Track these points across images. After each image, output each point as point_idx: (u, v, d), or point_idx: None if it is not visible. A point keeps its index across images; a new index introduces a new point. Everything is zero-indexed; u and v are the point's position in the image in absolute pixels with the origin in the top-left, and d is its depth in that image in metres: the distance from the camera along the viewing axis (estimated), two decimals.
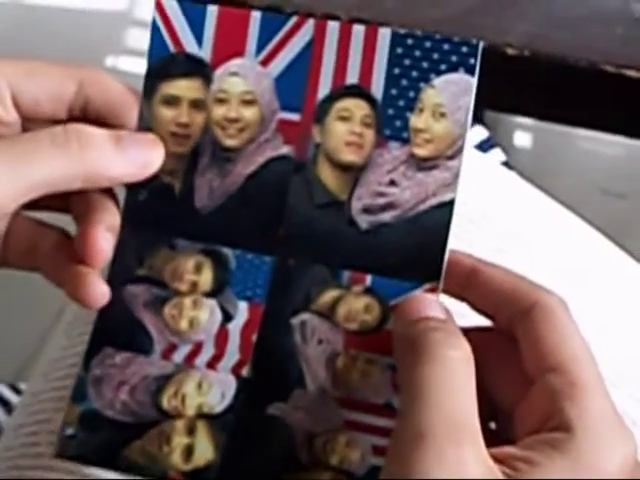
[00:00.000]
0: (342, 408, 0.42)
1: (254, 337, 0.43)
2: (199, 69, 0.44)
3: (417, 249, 0.42)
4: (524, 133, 1.69)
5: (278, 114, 0.43)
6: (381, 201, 0.42)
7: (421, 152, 0.42)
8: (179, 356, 0.43)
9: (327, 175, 0.43)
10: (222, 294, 0.43)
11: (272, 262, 0.43)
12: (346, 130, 0.43)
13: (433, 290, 0.41)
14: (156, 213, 0.44)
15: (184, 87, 0.44)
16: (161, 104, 0.44)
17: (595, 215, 0.59)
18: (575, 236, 0.56)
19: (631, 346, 0.51)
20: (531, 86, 0.71)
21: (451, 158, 0.42)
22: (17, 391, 0.73)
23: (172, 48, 0.44)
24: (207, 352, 0.43)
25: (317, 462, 0.41)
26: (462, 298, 0.42)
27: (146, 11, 1.97)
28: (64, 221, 0.45)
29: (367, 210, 0.42)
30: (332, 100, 0.43)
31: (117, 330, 0.43)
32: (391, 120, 0.42)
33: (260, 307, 0.43)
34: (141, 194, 0.43)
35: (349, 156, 0.43)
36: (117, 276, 0.42)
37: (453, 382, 0.37)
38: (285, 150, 0.43)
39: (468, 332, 0.39)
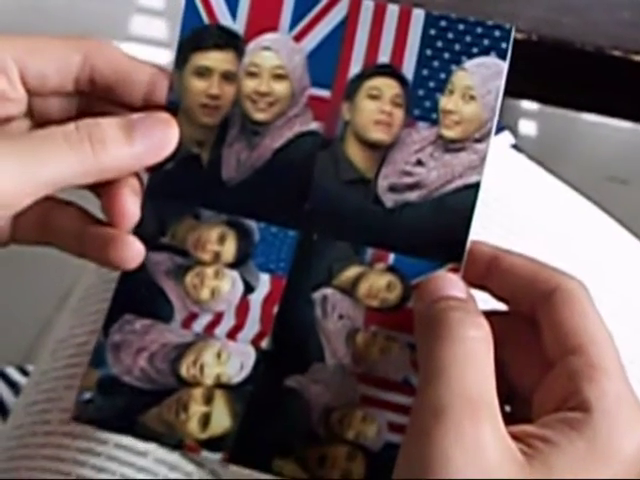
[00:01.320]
0: (360, 383, 0.42)
1: (275, 309, 0.43)
2: (232, 41, 0.44)
3: (441, 230, 0.42)
4: (530, 118, 1.68)
5: (309, 90, 0.43)
6: (407, 180, 0.43)
7: (449, 134, 0.42)
8: (199, 325, 0.43)
9: (355, 152, 0.43)
10: (244, 265, 0.43)
11: (296, 236, 0.43)
12: (375, 108, 0.43)
13: (455, 271, 0.42)
14: (182, 182, 0.44)
15: (216, 59, 0.44)
16: (192, 75, 0.44)
17: (600, 201, 0.59)
18: (586, 219, 0.56)
19: None
20: (538, 71, 0.71)
21: (479, 141, 0.42)
22: (25, 373, 0.73)
23: (206, 19, 0.44)
24: (227, 322, 0.43)
25: (333, 436, 0.42)
26: (483, 287, 0.42)
27: None
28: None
29: (393, 189, 0.43)
30: (363, 78, 0.43)
31: (138, 297, 0.44)
32: (421, 100, 0.43)
33: (282, 280, 0.43)
34: (168, 164, 0.44)
35: (377, 134, 0.43)
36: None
37: (472, 360, 0.37)
38: (314, 126, 0.43)
39: (488, 315, 0.39)
